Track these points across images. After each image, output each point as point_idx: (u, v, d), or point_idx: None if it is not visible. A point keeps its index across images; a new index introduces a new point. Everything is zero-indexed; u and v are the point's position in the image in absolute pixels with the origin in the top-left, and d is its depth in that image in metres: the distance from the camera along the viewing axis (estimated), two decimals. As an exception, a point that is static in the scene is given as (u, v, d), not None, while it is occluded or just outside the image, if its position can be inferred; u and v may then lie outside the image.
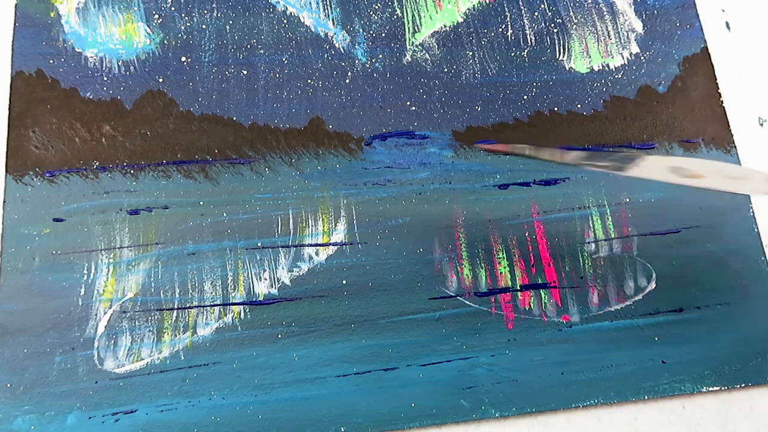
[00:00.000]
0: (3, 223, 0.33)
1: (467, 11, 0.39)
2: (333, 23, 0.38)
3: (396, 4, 0.39)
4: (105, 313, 0.32)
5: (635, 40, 0.39)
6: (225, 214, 0.34)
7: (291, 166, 0.35)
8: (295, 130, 0.36)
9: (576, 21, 0.39)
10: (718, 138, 0.38)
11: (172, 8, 0.37)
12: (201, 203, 0.34)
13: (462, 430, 0.32)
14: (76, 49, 0.36)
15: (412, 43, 0.38)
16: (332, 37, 0.38)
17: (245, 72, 0.37)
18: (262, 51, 0.37)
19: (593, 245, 0.35)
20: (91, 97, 0.35)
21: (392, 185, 0.35)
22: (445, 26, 0.39)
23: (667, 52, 0.39)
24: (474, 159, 0.36)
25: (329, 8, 0.38)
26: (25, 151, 0.34)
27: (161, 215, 0.34)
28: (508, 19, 0.39)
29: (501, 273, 0.34)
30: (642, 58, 0.39)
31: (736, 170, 0.31)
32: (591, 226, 0.36)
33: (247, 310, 0.33)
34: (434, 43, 0.38)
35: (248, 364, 0.32)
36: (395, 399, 0.32)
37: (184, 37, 0.37)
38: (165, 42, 0.37)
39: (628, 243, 0.35)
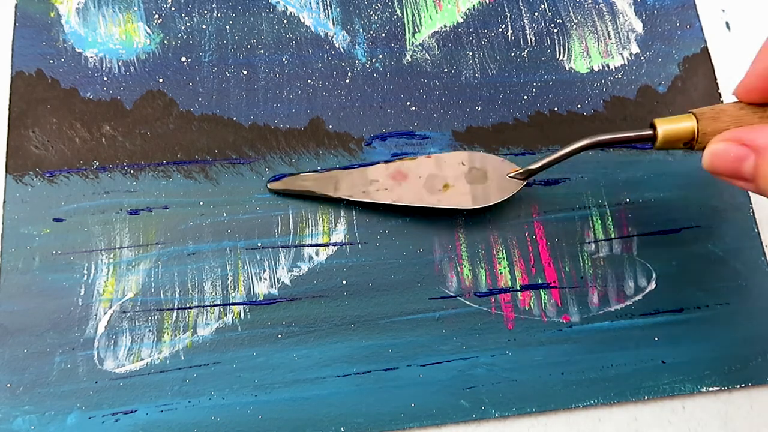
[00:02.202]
0: (3, 223, 0.33)
1: (467, 11, 0.39)
2: (333, 23, 0.38)
3: (396, 4, 0.39)
4: (105, 313, 0.32)
5: (635, 40, 0.39)
6: (225, 214, 0.34)
7: (291, 166, 0.35)
8: (295, 130, 0.36)
9: (576, 21, 0.39)
10: (718, 138, 0.38)
11: (172, 8, 0.37)
12: (201, 203, 0.34)
13: (462, 430, 0.32)
14: (76, 49, 0.36)
15: (412, 43, 0.38)
16: (332, 37, 0.38)
17: (245, 72, 0.37)
18: (262, 51, 0.37)
19: (593, 245, 0.35)
20: (91, 97, 0.35)
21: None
22: (445, 26, 0.39)
23: (667, 52, 0.39)
24: (474, 159, 0.36)
25: (329, 8, 0.38)
26: (25, 151, 0.34)
27: (161, 215, 0.34)
28: (508, 19, 0.39)
29: (501, 273, 0.34)
30: (642, 58, 0.39)
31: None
32: (591, 226, 0.36)
33: (247, 310, 0.33)
34: (434, 43, 0.38)
35: (248, 364, 0.32)
36: (395, 399, 0.32)
37: (184, 37, 0.37)
38: (165, 42, 0.37)
39: (628, 243, 0.35)
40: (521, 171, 0.33)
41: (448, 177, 0.33)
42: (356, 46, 0.38)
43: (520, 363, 0.33)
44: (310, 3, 0.38)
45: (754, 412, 0.33)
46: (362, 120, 0.36)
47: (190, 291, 0.33)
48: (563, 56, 0.39)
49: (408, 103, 0.37)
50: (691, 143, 0.29)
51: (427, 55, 0.38)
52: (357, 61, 0.37)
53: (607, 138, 0.31)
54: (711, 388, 0.33)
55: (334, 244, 0.34)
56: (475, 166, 0.33)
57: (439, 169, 0.34)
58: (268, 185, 0.34)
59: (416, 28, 0.38)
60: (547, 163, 0.32)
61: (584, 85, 0.38)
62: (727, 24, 0.41)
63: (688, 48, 0.39)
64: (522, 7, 0.39)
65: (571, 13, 0.39)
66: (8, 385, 0.31)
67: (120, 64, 0.36)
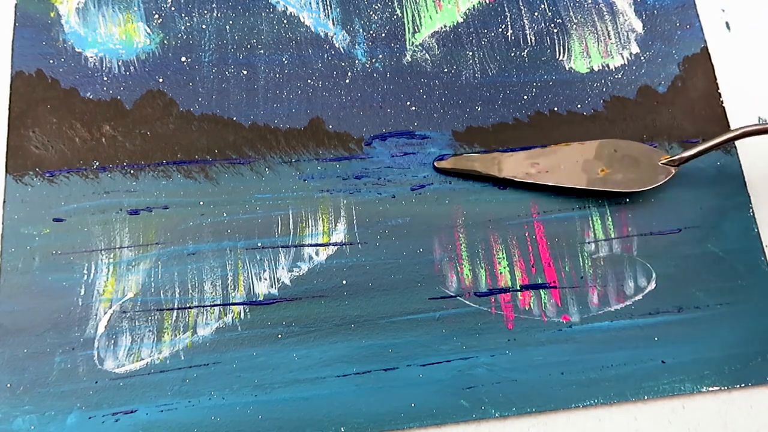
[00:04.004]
0: (3, 223, 0.33)
1: (467, 11, 0.39)
2: (333, 23, 0.38)
3: (396, 4, 0.39)
4: (105, 313, 0.32)
5: (635, 40, 0.39)
6: (225, 214, 0.34)
7: (291, 166, 0.35)
8: (295, 130, 0.36)
9: (576, 21, 0.39)
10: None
11: (172, 8, 0.37)
12: (201, 203, 0.34)
13: (462, 430, 0.32)
14: (76, 49, 0.36)
15: (412, 43, 0.38)
16: (332, 37, 0.38)
17: (245, 72, 0.37)
18: (262, 51, 0.37)
19: (593, 245, 0.35)
20: (91, 97, 0.35)
21: (392, 185, 0.35)
22: (445, 26, 0.39)
23: (667, 52, 0.39)
24: (474, 159, 0.36)
25: (329, 8, 0.38)
26: (25, 151, 0.34)
27: (161, 215, 0.34)
28: (508, 19, 0.39)
29: (501, 273, 0.34)
30: (642, 58, 0.39)
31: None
32: (591, 226, 0.36)
33: (247, 310, 0.33)
34: (434, 43, 0.38)
35: (248, 364, 0.32)
36: (395, 399, 0.32)
37: (184, 37, 0.37)
38: (165, 42, 0.37)
39: (628, 243, 0.35)
40: (674, 158, 0.34)
41: (603, 163, 0.35)
42: (356, 46, 0.38)
43: (520, 363, 0.33)
44: (310, 3, 0.38)
45: (754, 412, 0.33)
46: (362, 120, 0.36)
47: (190, 291, 0.33)
48: (563, 56, 0.39)
49: (408, 103, 0.37)
50: None
51: (427, 55, 0.38)
52: (357, 61, 0.37)
53: None
54: (711, 388, 0.33)
55: (334, 244, 0.34)
56: (628, 153, 0.35)
57: (594, 155, 0.35)
58: (435, 164, 0.35)
59: (416, 28, 0.38)
60: (702, 151, 0.34)
61: (584, 85, 0.38)
62: (727, 24, 0.41)
63: (688, 48, 0.39)
64: (522, 7, 0.39)
65: (571, 13, 0.39)
66: (8, 385, 0.31)
67: (120, 64, 0.36)
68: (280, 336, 0.32)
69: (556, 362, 0.33)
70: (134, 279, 0.33)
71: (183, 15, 0.37)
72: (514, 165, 0.35)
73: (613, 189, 0.35)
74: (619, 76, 0.39)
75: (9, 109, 0.35)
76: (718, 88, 0.39)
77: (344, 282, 0.34)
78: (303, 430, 0.31)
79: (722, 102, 0.39)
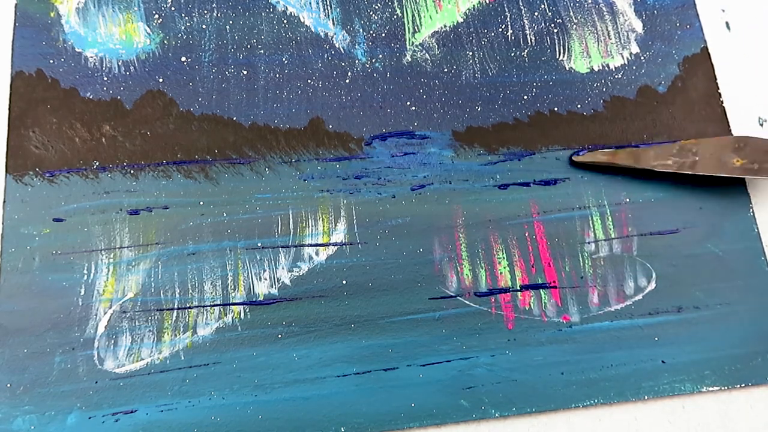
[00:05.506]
0: (3, 223, 0.33)
1: (467, 11, 0.39)
2: (333, 23, 0.38)
3: (396, 4, 0.39)
4: (105, 313, 0.32)
5: (635, 40, 0.39)
6: (225, 214, 0.34)
7: (291, 166, 0.35)
8: (295, 130, 0.36)
9: (576, 21, 0.39)
10: (718, 138, 0.38)
11: (172, 8, 0.37)
12: (201, 203, 0.34)
13: (462, 430, 0.32)
14: (76, 49, 0.36)
15: (412, 43, 0.38)
16: (332, 37, 0.38)
17: (245, 72, 0.37)
18: (262, 51, 0.37)
19: (593, 245, 0.35)
20: (91, 97, 0.35)
21: (392, 185, 0.35)
22: (445, 26, 0.39)
23: (667, 52, 0.39)
24: (474, 159, 0.36)
25: (329, 8, 0.38)
26: (25, 151, 0.34)
27: (161, 215, 0.34)
28: (508, 19, 0.39)
29: (501, 273, 0.34)
30: (642, 58, 0.39)
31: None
32: (591, 226, 0.36)
33: (247, 310, 0.33)
34: (434, 43, 0.38)
35: (248, 364, 0.32)
36: (395, 399, 0.32)
37: (184, 37, 0.37)
38: (165, 42, 0.37)
39: (628, 243, 0.35)
40: None
41: (736, 155, 0.36)
42: (356, 46, 0.38)
43: (520, 363, 0.33)
44: (310, 3, 0.38)
45: (753, 412, 0.33)
46: (362, 120, 0.36)
47: (190, 291, 0.33)
48: (563, 56, 0.39)
49: (408, 103, 0.37)
50: None
51: (427, 55, 0.38)
52: (357, 61, 0.37)
53: None
54: (711, 388, 0.33)
55: (334, 244, 0.34)
56: (756, 148, 0.36)
57: (725, 148, 0.36)
58: (573, 158, 0.37)
59: (416, 28, 0.38)
60: None
61: (584, 85, 0.38)
62: (727, 24, 0.41)
63: (688, 48, 0.39)
64: (522, 7, 0.39)
65: (571, 13, 0.39)
66: (8, 385, 0.31)
67: (120, 64, 0.36)
68: (280, 336, 0.32)
69: (556, 362, 0.33)
70: (134, 279, 0.33)
71: (183, 15, 0.37)
72: (651, 158, 0.36)
73: (757, 177, 0.35)
74: (619, 76, 0.39)
75: (9, 109, 0.35)
76: (718, 88, 0.39)
77: (344, 282, 0.34)
78: (303, 430, 0.31)
79: (722, 102, 0.39)
